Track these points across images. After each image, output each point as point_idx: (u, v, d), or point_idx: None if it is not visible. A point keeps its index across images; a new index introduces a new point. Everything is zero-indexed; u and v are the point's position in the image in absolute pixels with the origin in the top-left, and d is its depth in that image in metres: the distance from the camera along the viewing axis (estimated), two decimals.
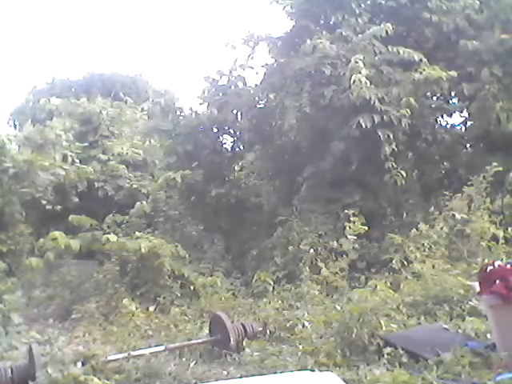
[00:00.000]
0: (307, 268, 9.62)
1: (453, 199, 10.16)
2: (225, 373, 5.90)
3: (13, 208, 12.58)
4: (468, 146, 12.89)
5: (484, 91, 11.14)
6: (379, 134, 10.61)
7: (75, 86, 24.76)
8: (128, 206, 14.01)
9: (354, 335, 5.86)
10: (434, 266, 8.47)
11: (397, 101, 10.96)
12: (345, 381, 4.31)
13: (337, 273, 9.43)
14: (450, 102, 12.85)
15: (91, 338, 7.99)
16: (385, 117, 10.66)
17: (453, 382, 4.82)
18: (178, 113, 13.68)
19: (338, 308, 7.16)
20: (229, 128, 13.64)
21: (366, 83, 10.54)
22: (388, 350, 5.56)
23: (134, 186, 15.32)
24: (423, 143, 11.95)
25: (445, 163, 12.56)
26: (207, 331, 7.21)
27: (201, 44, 48.36)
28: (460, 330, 6.04)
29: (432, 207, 10.45)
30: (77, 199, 14.70)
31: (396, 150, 10.78)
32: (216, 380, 5.39)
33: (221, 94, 13.22)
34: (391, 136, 10.67)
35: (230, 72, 13.25)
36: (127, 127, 17.46)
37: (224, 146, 13.97)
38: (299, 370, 5.30)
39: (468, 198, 9.96)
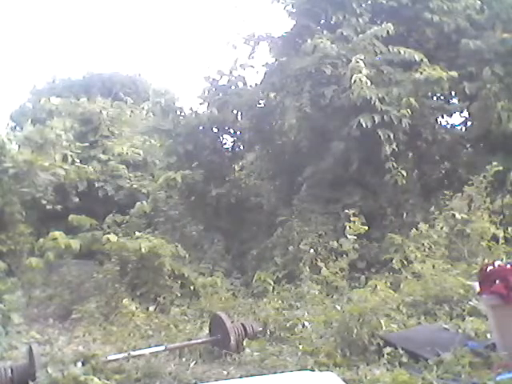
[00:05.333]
0: (307, 268, 9.61)
1: (453, 199, 10.16)
2: (225, 373, 5.89)
3: (13, 208, 12.59)
4: (468, 145, 12.88)
5: (485, 90, 11.13)
6: (379, 133, 10.60)
7: (75, 86, 24.75)
8: (128, 206, 14.02)
9: (354, 335, 5.86)
10: (434, 266, 8.46)
11: (397, 101, 10.95)
12: (345, 381, 4.30)
13: (337, 273, 9.42)
14: (451, 102, 12.85)
15: (91, 338, 7.99)
16: (385, 117, 10.66)
17: (453, 382, 4.81)
18: (178, 113, 13.68)
19: (338, 308, 7.16)
20: (229, 128, 13.65)
21: (366, 83, 10.53)
22: (388, 349, 5.57)
23: (134, 185, 15.33)
24: (423, 143, 11.94)
25: (445, 163, 12.56)
26: (207, 331, 7.21)
27: (201, 44, 48.32)
28: (460, 330, 6.06)
29: (432, 207, 10.46)
30: (77, 199, 14.70)
31: (396, 149, 10.77)
32: (216, 380, 5.39)
33: (221, 94, 13.22)
34: (391, 136, 10.66)
35: (231, 72, 13.26)
36: (127, 127, 17.46)
37: (224, 145, 13.98)
38: (299, 370, 5.30)
39: (468, 198, 9.97)
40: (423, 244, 9.57)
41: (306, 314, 7.41)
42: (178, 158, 13.57)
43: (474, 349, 5.36)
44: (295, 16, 12.83)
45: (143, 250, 9.64)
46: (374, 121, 10.56)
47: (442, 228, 9.69)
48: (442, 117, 12.71)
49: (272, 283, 9.70)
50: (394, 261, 9.54)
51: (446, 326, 6.23)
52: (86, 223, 13.11)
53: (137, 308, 8.92)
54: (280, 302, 8.51)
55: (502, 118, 11.00)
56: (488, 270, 5.56)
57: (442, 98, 12.56)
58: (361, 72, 10.58)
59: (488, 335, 5.73)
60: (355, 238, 9.88)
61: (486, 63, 11.41)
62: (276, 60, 13.00)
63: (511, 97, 11.24)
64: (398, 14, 12.30)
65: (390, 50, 11.36)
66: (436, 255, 9.20)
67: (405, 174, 10.82)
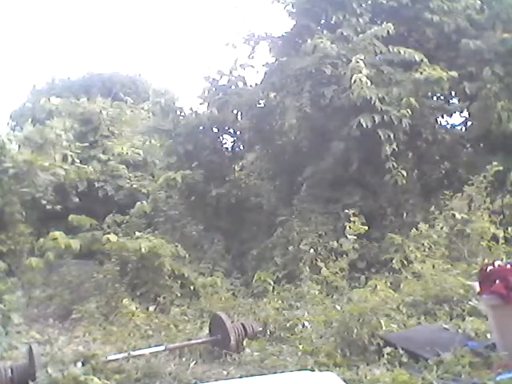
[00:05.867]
0: (307, 268, 9.61)
1: (453, 199, 10.16)
2: (225, 373, 5.90)
3: (13, 208, 12.58)
4: (468, 145, 12.88)
5: (485, 90, 11.13)
6: (380, 133, 10.60)
7: (75, 86, 24.75)
8: (128, 206, 14.01)
9: (354, 335, 5.87)
10: (434, 266, 8.46)
11: (397, 101, 10.95)
12: (345, 381, 4.30)
13: (337, 273, 9.42)
14: (451, 102, 12.86)
15: (91, 338, 8.00)
16: (385, 117, 10.65)
17: (453, 382, 4.81)
18: (178, 113, 13.68)
19: (338, 308, 7.16)
20: (229, 128, 13.64)
21: (366, 83, 10.53)
22: (388, 350, 5.57)
23: (134, 186, 15.32)
24: (424, 143, 11.94)
25: (445, 163, 12.55)
26: (207, 331, 7.21)
27: (201, 44, 48.31)
28: (460, 330, 6.05)
29: (432, 207, 10.44)
30: (77, 199, 14.69)
31: (396, 149, 10.77)
32: (216, 380, 5.39)
33: (221, 94, 13.21)
34: (392, 136, 10.66)
35: (231, 72, 13.26)
36: (127, 127, 17.45)
37: (224, 145, 13.98)
38: (299, 370, 5.30)
39: (468, 198, 9.97)
40: (423, 244, 9.57)
41: (306, 313, 7.40)
42: (178, 158, 13.57)
43: (473, 349, 5.36)
44: (295, 16, 12.82)
45: (143, 250, 9.64)
46: (374, 121, 10.56)
47: (442, 228, 9.69)
48: (442, 117, 12.71)
49: (272, 283, 9.70)
50: (394, 261, 9.54)
51: (446, 326, 6.23)
52: (86, 223, 13.11)
53: (137, 308, 8.92)
54: (280, 302, 8.51)
55: (502, 118, 11.00)
56: (488, 269, 5.56)
57: (442, 97, 12.55)
58: (361, 72, 10.57)
59: (488, 335, 5.73)
60: (355, 238, 9.87)
61: (486, 63, 11.41)
62: (276, 60, 13.00)
63: (511, 97, 11.23)
64: (398, 14, 12.30)
65: (390, 49, 11.36)
66: (436, 255, 9.20)
67: (405, 174, 10.81)
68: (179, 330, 7.86)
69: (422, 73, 10.89)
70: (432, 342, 5.54)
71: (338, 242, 10.14)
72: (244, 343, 6.60)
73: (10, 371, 5.76)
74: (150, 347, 6.71)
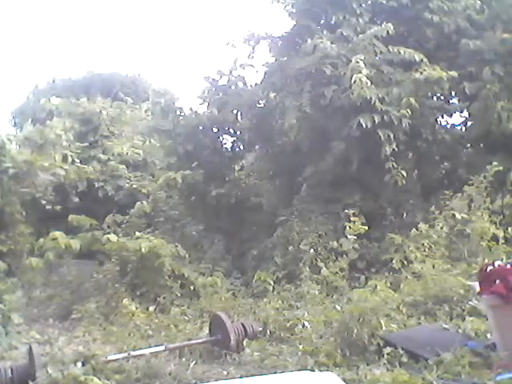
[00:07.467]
0: (307, 268, 9.62)
1: (453, 199, 10.17)
2: (225, 373, 5.89)
3: (13, 208, 12.57)
4: (468, 145, 12.89)
5: (485, 90, 11.13)
6: (380, 134, 10.60)
7: (75, 86, 24.75)
8: (128, 206, 14.00)
9: (354, 335, 5.87)
10: (434, 266, 8.47)
11: (397, 101, 10.95)
12: (345, 381, 4.31)
13: (337, 273, 9.42)
14: (451, 102, 12.86)
15: (91, 337, 8.00)
16: (385, 117, 10.66)
17: (453, 382, 4.81)
18: (178, 113, 13.68)
19: (338, 308, 7.18)
20: (229, 128, 13.64)
21: (366, 83, 10.53)
22: (388, 350, 5.57)
23: (134, 186, 15.30)
24: (424, 143, 11.93)
25: (445, 163, 12.57)
26: (207, 331, 7.21)
27: (201, 44, 48.34)
28: (460, 330, 6.06)
29: (432, 207, 10.44)
30: (77, 199, 14.68)
31: (396, 150, 10.77)
32: (216, 380, 5.39)
33: (221, 94, 13.22)
34: (392, 136, 10.66)
35: (230, 72, 13.26)
36: (127, 127, 17.44)
37: (224, 145, 13.98)
38: (299, 370, 5.30)
39: (468, 198, 9.98)
40: (423, 244, 9.58)
41: (306, 314, 7.40)
42: (177, 158, 13.57)
43: (473, 349, 5.36)
44: (295, 16, 12.83)
45: (143, 250, 9.64)
46: (374, 121, 10.56)
47: (442, 228, 9.71)
48: (442, 117, 12.72)
49: (272, 283, 9.70)
50: (393, 261, 9.55)
51: (446, 326, 6.24)
52: (86, 223, 13.08)
53: (137, 308, 8.92)
54: (280, 302, 8.52)
55: (502, 118, 10.99)
56: (488, 269, 5.56)
57: (442, 97, 12.54)
58: (361, 72, 10.57)
59: (488, 335, 5.74)
60: (355, 237, 9.89)
61: (486, 63, 11.41)
62: (276, 60, 13.00)
63: (511, 97, 11.23)
64: (398, 14, 12.30)
65: (390, 50, 11.35)
66: (436, 255, 9.22)
67: (405, 174, 10.81)
68: (179, 330, 7.85)
69: (422, 73, 10.89)
70: (432, 342, 5.54)
71: (338, 242, 10.15)
72: (244, 343, 6.60)
73: (10, 371, 5.75)
74: (150, 347, 6.70)
